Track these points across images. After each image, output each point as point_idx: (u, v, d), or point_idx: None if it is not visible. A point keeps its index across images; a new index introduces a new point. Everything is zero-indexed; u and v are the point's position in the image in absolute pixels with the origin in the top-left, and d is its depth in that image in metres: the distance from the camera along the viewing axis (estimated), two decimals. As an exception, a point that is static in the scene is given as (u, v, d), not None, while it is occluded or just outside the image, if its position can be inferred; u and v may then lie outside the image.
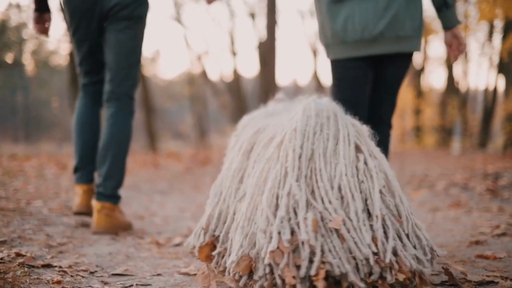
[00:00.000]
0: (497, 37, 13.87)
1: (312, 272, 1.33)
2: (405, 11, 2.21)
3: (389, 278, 1.38)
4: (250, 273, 1.46)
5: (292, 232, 1.40)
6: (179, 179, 6.15)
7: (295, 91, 22.44)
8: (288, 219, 1.42)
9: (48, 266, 1.86)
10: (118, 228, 2.63)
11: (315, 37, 19.06)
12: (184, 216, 3.43)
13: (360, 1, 2.21)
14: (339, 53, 2.30)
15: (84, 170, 2.79)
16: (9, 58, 20.00)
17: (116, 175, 2.65)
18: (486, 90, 15.41)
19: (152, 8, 3.30)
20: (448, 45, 2.35)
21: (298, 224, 1.40)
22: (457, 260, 1.93)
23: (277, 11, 14.47)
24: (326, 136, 1.56)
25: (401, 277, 1.38)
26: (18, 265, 1.79)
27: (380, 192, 1.51)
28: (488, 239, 2.35)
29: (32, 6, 2.71)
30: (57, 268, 1.83)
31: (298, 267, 1.35)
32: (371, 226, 1.43)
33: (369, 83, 2.35)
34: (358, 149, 1.59)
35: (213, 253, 1.66)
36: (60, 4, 3.02)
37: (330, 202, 1.44)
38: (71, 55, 11.36)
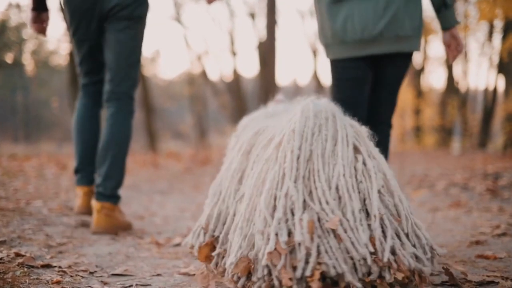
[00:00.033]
0: (497, 37, 13.89)
1: (308, 273, 1.33)
2: (405, 10, 2.21)
3: (388, 277, 1.38)
4: (249, 275, 1.47)
5: (289, 233, 1.40)
6: (179, 179, 6.15)
7: (295, 91, 22.44)
8: (285, 220, 1.42)
9: (47, 266, 1.86)
10: (118, 228, 2.63)
11: (315, 37, 19.05)
12: (184, 216, 3.43)
13: (359, 1, 2.21)
14: (339, 53, 2.30)
15: (84, 172, 2.79)
16: (9, 58, 20.01)
17: (116, 175, 2.65)
18: (486, 90, 15.41)
19: (152, 8, 3.30)
20: (447, 45, 2.35)
21: (294, 225, 1.40)
22: (457, 260, 1.92)
23: (277, 11, 14.48)
24: (324, 137, 1.56)
25: (399, 276, 1.38)
26: (18, 265, 1.79)
27: (379, 192, 1.51)
28: (488, 239, 2.35)
29: (30, 5, 2.70)
30: (56, 268, 1.83)
31: (294, 268, 1.35)
32: (369, 225, 1.43)
33: (368, 83, 2.35)
34: (356, 150, 1.59)
35: (213, 253, 1.66)
36: (60, 4, 3.02)
37: (327, 203, 1.44)
38: (71, 55, 11.36)
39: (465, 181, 4.82)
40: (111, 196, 2.62)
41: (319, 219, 1.42)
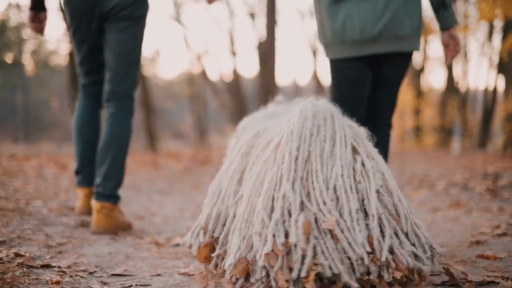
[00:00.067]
0: (497, 37, 13.88)
1: (303, 274, 1.33)
2: (404, 10, 2.21)
3: (386, 276, 1.38)
4: (247, 276, 1.47)
5: (287, 235, 1.40)
6: (178, 179, 6.15)
7: (295, 91, 22.46)
8: (282, 222, 1.42)
9: (47, 266, 1.85)
10: (118, 228, 2.63)
11: (315, 37, 19.04)
12: (184, 216, 3.43)
13: (359, 1, 2.21)
14: (338, 53, 2.30)
15: (85, 173, 2.80)
16: (9, 58, 20.01)
17: (116, 175, 2.65)
18: (486, 90, 15.41)
19: (152, 8, 3.30)
20: (445, 45, 2.35)
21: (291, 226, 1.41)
22: (457, 260, 1.92)
23: (277, 11, 14.49)
24: (323, 138, 1.56)
25: (398, 275, 1.39)
26: (17, 265, 1.79)
27: (378, 192, 1.51)
28: (489, 239, 2.34)
29: (28, 4, 2.70)
30: (56, 269, 1.83)
31: (291, 269, 1.35)
32: (367, 225, 1.43)
33: (368, 83, 2.34)
34: (355, 150, 1.59)
35: (213, 255, 1.66)
36: (60, 4, 3.02)
37: (324, 203, 1.44)
38: (70, 55, 11.35)
39: (465, 181, 4.82)
40: (111, 196, 2.62)
41: (316, 220, 1.42)
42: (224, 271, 1.57)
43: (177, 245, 2.39)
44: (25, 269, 1.76)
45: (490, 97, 14.67)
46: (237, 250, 1.49)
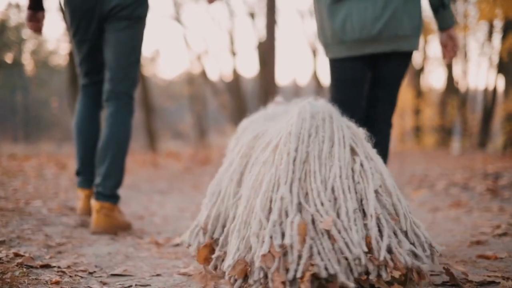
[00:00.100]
0: (497, 37, 13.88)
1: (299, 274, 1.33)
2: (404, 10, 2.21)
3: (385, 276, 1.38)
4: (245, 277, 1.47)
5: (284, 236, 1.40)
6: (178, 178, 6.15)
7: (295, 91, 22.46)
8: (280, 223, 1.42)
9: (46, 266, 1.85)
10: (117, 228, 2.63)
11: (315, 37, 19.06)
12: (184, 216, 3.42)
13: (358, 1, 2.21)
14: (338, 53, 2.30)
15: (85, 174, 2.80)
16: (8, 58, 20.02)
17: (116, 175, 2.65)
18: (485, 90, 15.41)
19: (152, 8, 3.30)
20: (443, 45, 2.36)
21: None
22: (458, 260, 1.92)
23: (277, 11, 14.49)
24: (321, 139, 1.56)
25: (396, 274, 1.38)
26: (17, 265, 1.79)
27: (377, 192, 1.51)
28: (489, 239, 2.34)
29: (26, 3, 2.70)
30: (55, 269, 1.82)
31: (287, 270, 1.35)
32: (365, 225, 1.43)
33: (367, 82, 2.34)
34: (353, 151, 1.59)
35: (212, 256, 1.66)
36: (60, 4, 3.02)
37: (322, 204, 1.44)
38: (70, 55, 11.35)
39: (465, 181, 4.82)
40: (110, 196, 2.62)
41: (313, 221, 1.42)
42: (224, 272, 1.57)
43: (177, 245, 2.39)
44: (24, 269, 1.76)
45: (490, 97, 14.68)
46: (236, 251, 1.49)
